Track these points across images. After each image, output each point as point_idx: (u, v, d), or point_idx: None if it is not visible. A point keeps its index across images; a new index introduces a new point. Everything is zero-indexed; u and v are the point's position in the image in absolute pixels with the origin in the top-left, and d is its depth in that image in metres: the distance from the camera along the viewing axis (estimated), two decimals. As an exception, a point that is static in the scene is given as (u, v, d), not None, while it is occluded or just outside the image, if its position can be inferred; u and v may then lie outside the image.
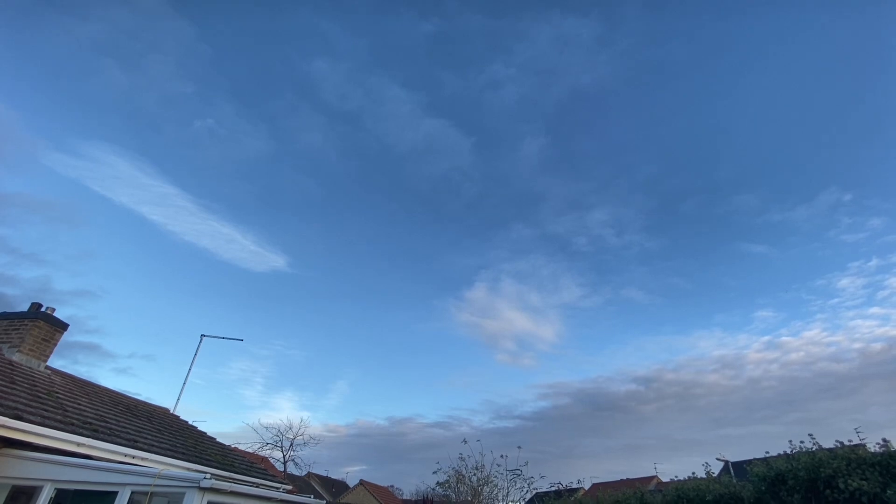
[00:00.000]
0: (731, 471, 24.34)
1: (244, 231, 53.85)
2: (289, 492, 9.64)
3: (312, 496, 8.20)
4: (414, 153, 53.53)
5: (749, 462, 8.19)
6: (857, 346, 54.91)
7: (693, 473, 9.66)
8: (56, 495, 5.61)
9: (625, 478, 36.58)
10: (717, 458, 28.94)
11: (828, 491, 6.45)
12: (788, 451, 7.87)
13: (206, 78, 45.49)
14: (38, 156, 34.79)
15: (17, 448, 5.89)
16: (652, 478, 37.79)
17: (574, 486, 13.63)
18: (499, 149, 54.39)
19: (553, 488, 13.15)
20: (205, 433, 12.17)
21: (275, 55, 46.47)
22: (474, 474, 12.85)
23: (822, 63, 45.60)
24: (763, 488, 7.31)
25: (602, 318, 64.14)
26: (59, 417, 6.87)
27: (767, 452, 8.58)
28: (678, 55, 47.38)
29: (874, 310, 53.44)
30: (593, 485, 34.71)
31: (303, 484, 34.30)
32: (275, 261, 54.70)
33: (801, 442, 7.94)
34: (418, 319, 66.81)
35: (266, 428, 29.41)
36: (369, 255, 58.18)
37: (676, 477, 10.38)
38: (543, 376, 69.56)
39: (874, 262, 52.56)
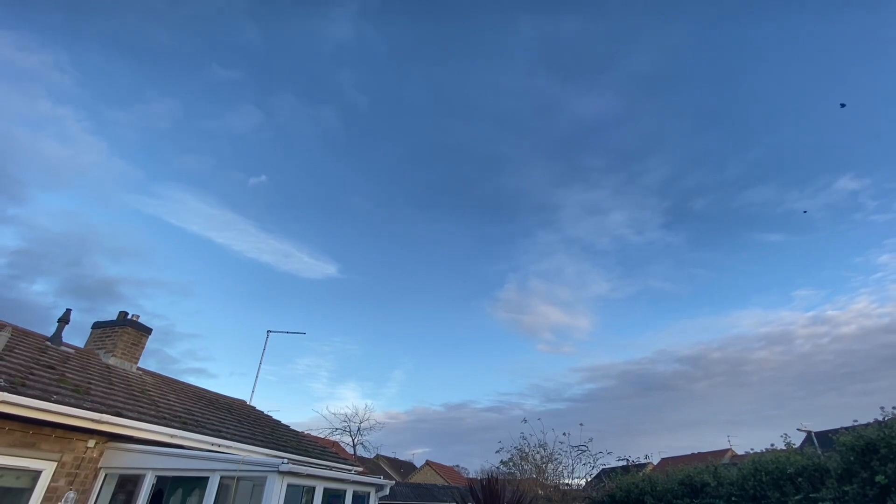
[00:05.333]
0: (815, 441, 22.81)
1: (299, 246, 61.34)
2: (359, 473, 10.15)
3: (382, 476, 8.57)
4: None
5: (835, 432, 7.63)
6: (913, 315, 52.63)
7: (772, 445, 9.15)
8: (156, 482, 6.24)
9: (695, 451, 35.33)
10: (799, 429, 27.01)
11: (929, 460, 5.92)
12: (880, 419, 7.26)
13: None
14: (126, 199, 45.86)
15: (119, 441, 6.60)
16: (726, 451, 36.24)
17: (642, 461, 13.32)
18: (510, 174, 58.41)
19: (621, 463, 12.94)
20: (279, 421, 13.00)
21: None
22: (538, 452, 12.89)
23: (822, 62, 46.05)
24: (851, 458, 6.81)
25: (635, 306, 67.29)
26: (152, 413, 7.59)
27: (856, 421, 7.97)
28: (682, 67, 49.52)
29: (924, 279, 51.24)
30: (662, 459, 33.85)
31: (372, 465, 35.96)
32: (327, 269, 62.68)
33: (894, 408, 7.29)
34: (460, 317, 72.91)
35: (334, 415, 31.01)
36: (411, 264, 64.33)
37: (752, 450, 9.88)
38: (585, 361, 72.90)
39: (913, 236, 51.30)
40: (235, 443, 8.32)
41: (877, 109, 47.51)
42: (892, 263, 54.73)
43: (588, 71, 50.93)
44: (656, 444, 70.51)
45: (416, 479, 38.65)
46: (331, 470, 7.79)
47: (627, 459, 12.88)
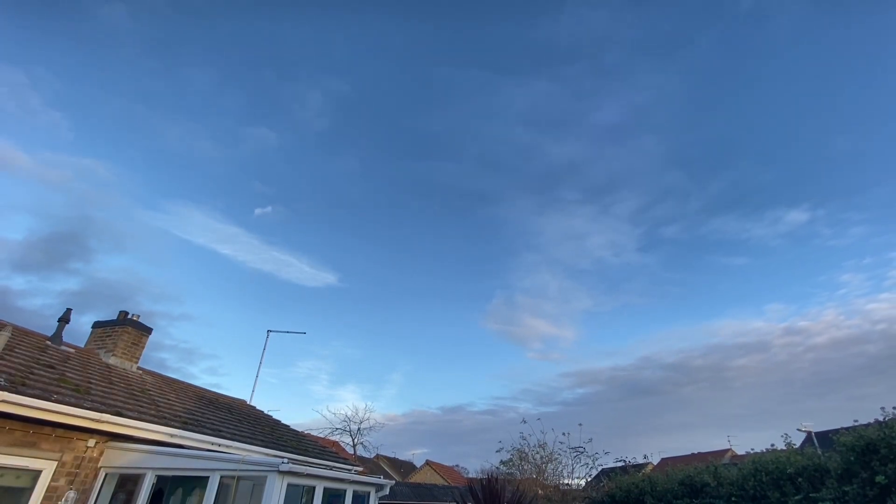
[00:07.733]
0: (815, 441, 22.79)
1: (299, 256, 66.01)
2: (359, 473, 10.15)
3: (382, 476, 8.60)
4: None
5: (835, 432, 7.63)
6: (880, 327, 58.41)
7: (772, 445, 9.16)
8: (156, 481, 6.24)
9: (695, 452, 35.30)
10: (799, 429, 26.89)
11: (929, 460, 5.92)
12: (880, 419, 7.26)
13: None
14: (135, 214, 53.15)
15: (119, 441, 6.60)
16: (726, 451, 36.21)
17: (641, 461, 13.30)
18: (494, 205, 65.47)
19: (619, 464, 12.92)
20: (279, 421, 13.00)
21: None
22: (537, 452, 12.88)
23: (773, 103, 51.97)
24: (852, 458, 6.81)
25: (618, 319, 71.95)
26: (152, 412, 7.59)
27: (856, 421, 7.97)
28: (642, 118, 56.08)
29: (884, 296, 57.85)
30: (662, 459, 33.81)
31: (372, 465, 35.95)
32: (327, 278, 66.66)
33: (894, 408, 7.29)
34: (456, 321, 75.82)
35: (334, 415, 31.05)
36: (409, 266, 68.64)
37: (752, 450, 9.89)
38: (573, 366, 77.18)
39: (868, 259, 58.29)
40: (235, 442, 8.32)
41: (826, 147, 53.38)
42: (853, 281, 60.62)
43: (559, 123, 59.78)
44: (652, 445, 73.31)
45: (416, 478, 38.64)
46: (331, 470, 7.79)
47: (625, 460, 12.87)
